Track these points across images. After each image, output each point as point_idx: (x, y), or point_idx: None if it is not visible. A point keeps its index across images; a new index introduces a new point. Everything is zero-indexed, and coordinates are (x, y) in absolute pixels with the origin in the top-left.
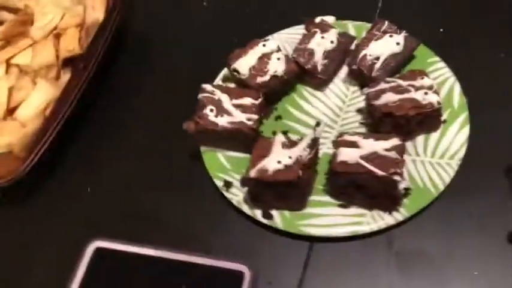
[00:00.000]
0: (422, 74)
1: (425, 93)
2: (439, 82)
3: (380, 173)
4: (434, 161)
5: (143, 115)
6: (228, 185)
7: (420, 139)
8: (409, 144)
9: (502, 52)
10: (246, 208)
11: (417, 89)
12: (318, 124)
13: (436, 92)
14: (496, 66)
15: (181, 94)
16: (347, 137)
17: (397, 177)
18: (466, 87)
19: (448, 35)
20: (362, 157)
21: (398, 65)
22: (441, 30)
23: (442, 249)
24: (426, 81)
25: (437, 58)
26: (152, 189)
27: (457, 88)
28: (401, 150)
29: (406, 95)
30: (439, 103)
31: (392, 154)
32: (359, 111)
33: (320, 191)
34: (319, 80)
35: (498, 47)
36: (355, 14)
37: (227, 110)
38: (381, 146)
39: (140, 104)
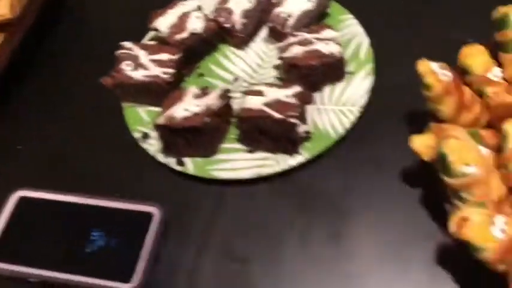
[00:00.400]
0: (326, 27)
1: (327, 44)
2: (349, 37)
3: (277, 116)
4: (337, 108)
5: (75, 76)
6: (145, 136)
7: (327, 90)
8: (317, 95)
9: (411, 9)
10: (160, 157)
11: (321, 40)
12: (236, 79)
13: (339, 43)
14: (405, 22)
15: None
16: (255, 87)
17: (293, 120)
18: (375, 41)
19: None
20: (265, 104)
21: (311, 21)
22: None
23: (341, 188)
24: (329, 33)
25: (349, 15)
26: (79, 144)
27: (366, 42)
28: (301, 96)
29: (310, 47)
30: (340, 53)
31: (293, 100)
32: (275, 67)
33: (232, 139)
34: (239, 39)
35: (409, 5)
36: None
37: (144, 64)
38: (283, 93)
39: (72, 65)
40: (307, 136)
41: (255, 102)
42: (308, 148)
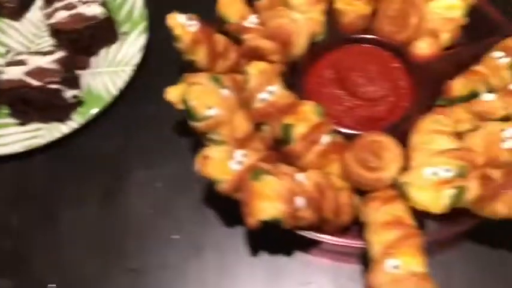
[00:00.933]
0: None
1: (89, 6)
2: None
3: (36, 83)
4: (111, 70)
5: None
6: None
7: (103, 52)
8: (93, 59)
9: None
10: None
11: (84, 3)
12: (7, 52)
13: (103, 5)
14: None
15: None
16: (18, 57)
17: (54, 86)
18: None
19: None
20: (25, 73)
21: None
22: None
23: (121, 148)
24: None
25: None
26: None
27: (139, 1)
28: (66, 61)
29: (73, 11)
30: (103, 14)
31: (54, 66)
32: (51, 35)
33: (4, 114)
34: (10, 9)
35: None
36: None
37: None
38: (45, 60)
39: None
40: (77, 101)
41: (15, 73)
42: (81, 113)
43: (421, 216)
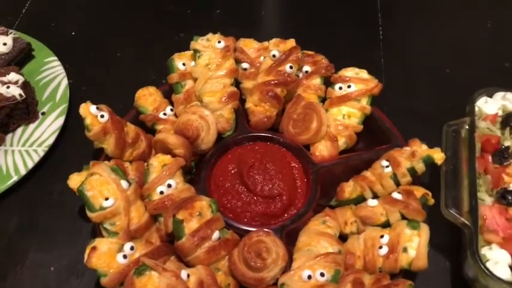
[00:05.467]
0: (13, 70)
1: (8, 87)
2: (50, 78)
3: None
4: (23, 149)
5: None
6: None
7: (19, 131)
8: (9, 136)
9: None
10: None
11: (4, 83)
12: None
13: (20, 87)
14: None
15: None
16: None
17: None
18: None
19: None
20: None
21: (8, 63)
22: None
23: (22, 227)
24: (14, 77)
25: (53, 57)
26: None
27: (64, 83)
28: None
29: None
30: (21, 95)
31: None
32: None
33: None
34: None
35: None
36: None
37: None
38: None
39: None
40: None
41: None
42: None
43: None
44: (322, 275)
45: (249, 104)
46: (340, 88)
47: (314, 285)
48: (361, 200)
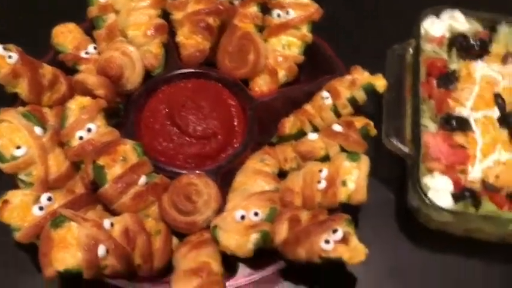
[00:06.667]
0: None
1: None
2: None
3: None
4: None
5: None
6: None
7: None
8: None
9: None
10: None
11: None
12: None
13: None
14: None
15: None
16: None
17: None
18: None
19: None
20: None
21: None
22: None
23: None
24: None
25: None
26: None
27: None
28: None
29: None
30: None
31: None
32: None
33: None
34: None
35: None
36: None
37: None
38: None
39: None
40: None
41: None
42: None
43: (233, 260)
44: (256, 214)
45: (179, 37)
46: (279, 15)
47: (248, 225)
48: (302, 135)
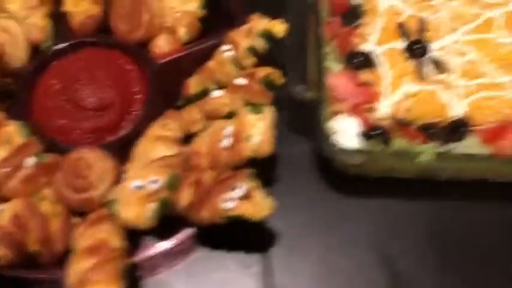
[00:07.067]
0: None
1: None
2: None
3: None
4: None
5: None
6: None
7: None
8: None
9: None
10: None
11: None
12: None
13: None
14: None
15: None
16: None
17: None
18: None
19: None
20: None
21: None
22: None
23: None
24: None
25: None
26: None
27: None
28: None
29: None
30: None
31: None
32: None
33: None
34: None
35: None
36: None
37: None
38: None
39: None
40: None
41: None
42: None
43: (135, 233)
44: (154, 182)
45: (66, 6)
46: None
47: (146, 194)
48: (204, 94)
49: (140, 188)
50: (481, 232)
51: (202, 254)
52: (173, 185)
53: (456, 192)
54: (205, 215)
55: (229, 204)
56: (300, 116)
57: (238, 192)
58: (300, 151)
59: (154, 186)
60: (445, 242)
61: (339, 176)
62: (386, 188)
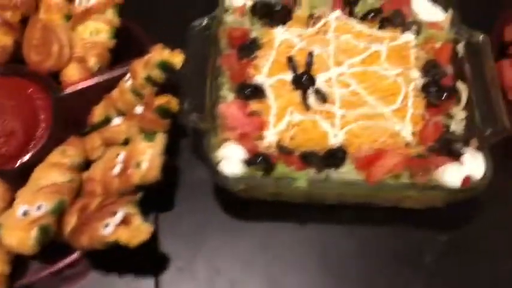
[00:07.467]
0: None
1: None
2: None
3: None
4: None
5: None
6: None
7: None
8: None
9: None
10: None
11: None
12: None
13: None
14: None
15: None
16: None
17: None
18: None
19: None
20: None
21: None
22: None
23: None
24: None
25: None
26: None
27: None
28: None
29: None
30: None
31: None
32: None
33: None
34: None
35: None
36: None
37: None
38: None
39: None
40: None
41: None
42: None
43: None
44: (39, 208)
45: None
46: (81, 3)
47: (31, 220)
48: (107, 122)
49: (25, 213)
50: (363, 255)
51: (95, 277)
52: (58, 210)
53: (342, 216)
54: (84, 240)
55: (108, 230)
56: (202, 143)
57: (117, 218)
58: (201, 176)
59: (38, 212)
60: (329, 264)
61: (233, 200)
62: (276, 211)
